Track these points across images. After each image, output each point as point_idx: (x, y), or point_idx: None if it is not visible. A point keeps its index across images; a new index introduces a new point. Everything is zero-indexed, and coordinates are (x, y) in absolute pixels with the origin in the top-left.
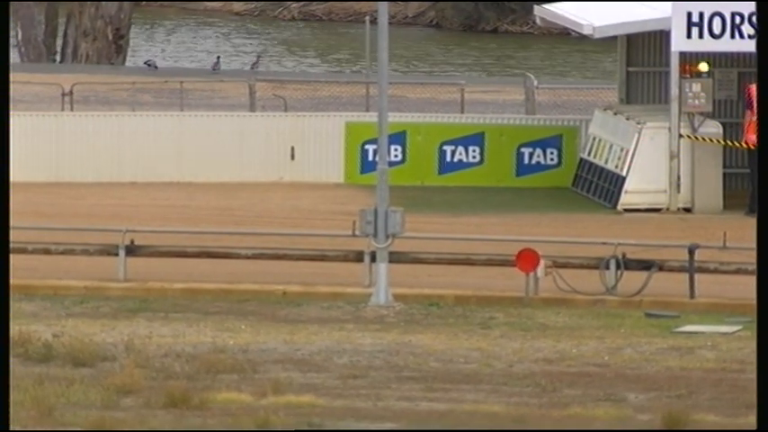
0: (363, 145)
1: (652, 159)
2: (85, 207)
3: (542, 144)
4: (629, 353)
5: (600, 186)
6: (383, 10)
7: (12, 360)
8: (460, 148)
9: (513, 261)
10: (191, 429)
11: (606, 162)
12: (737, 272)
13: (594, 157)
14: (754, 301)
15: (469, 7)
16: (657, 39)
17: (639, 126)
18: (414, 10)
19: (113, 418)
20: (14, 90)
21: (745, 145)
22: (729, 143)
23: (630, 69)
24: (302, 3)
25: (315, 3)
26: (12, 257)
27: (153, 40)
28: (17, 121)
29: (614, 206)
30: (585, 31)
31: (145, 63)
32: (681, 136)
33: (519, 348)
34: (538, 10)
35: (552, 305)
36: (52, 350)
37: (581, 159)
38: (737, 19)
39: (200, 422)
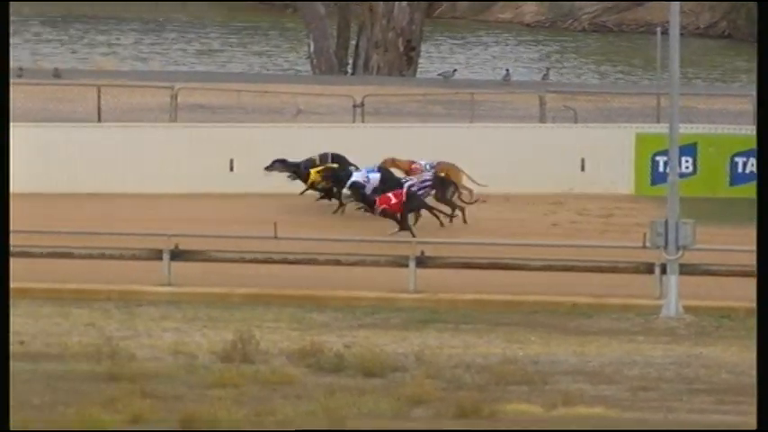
0: (654, 156)
1: None
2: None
3: None
4: None
5: None
6: (674, 21)
7: (303, 370)
8: (752, 160)
9: None
10: None
11: None
12: None
13: None
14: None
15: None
16: None
17: None
18: (705, 21)
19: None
20: (308, 102)
21: None
22: None
23: None
24: (593, 14)
25: (605, 14)
26: (311, 268)
27: (442, 51)
28: (309, 133)
29: None
30: None
31: (439, 75)
32: None
33: None
34: None
35: None
36: (344, 360)
37: None
38: None
39: None
